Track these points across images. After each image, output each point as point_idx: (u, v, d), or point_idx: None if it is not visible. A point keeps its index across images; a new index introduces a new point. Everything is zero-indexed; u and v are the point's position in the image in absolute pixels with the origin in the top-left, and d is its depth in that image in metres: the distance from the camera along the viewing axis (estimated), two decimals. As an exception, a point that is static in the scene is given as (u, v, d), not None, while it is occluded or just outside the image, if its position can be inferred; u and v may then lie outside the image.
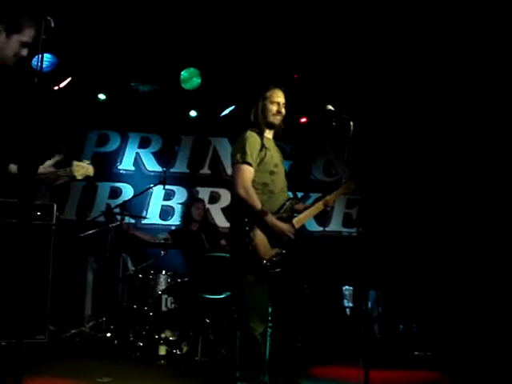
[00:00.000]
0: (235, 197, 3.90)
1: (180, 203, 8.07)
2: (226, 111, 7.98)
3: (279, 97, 4.10)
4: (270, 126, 4.10)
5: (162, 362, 5.55)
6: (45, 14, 2.87)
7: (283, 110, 4.10)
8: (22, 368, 2.79)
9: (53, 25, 2.72)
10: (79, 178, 3.36)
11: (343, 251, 7.97)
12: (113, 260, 6.58)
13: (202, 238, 6.40)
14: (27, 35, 3.08)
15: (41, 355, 5.40)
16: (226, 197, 8.18)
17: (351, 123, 3.74)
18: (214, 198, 8.26)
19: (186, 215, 6.99)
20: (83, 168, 3.36)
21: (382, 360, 5.70)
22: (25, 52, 3.14)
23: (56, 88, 7.00)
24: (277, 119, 4.08)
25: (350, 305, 7.35)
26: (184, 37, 6.79)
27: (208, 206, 8.15)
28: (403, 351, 6.60)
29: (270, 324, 3.97)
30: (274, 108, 4.06)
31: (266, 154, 3.96)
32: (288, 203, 4.03)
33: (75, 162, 3.32)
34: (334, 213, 8.34)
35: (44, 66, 3.06)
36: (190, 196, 8.15)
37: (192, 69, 7.38)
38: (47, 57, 6.26)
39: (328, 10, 6.27)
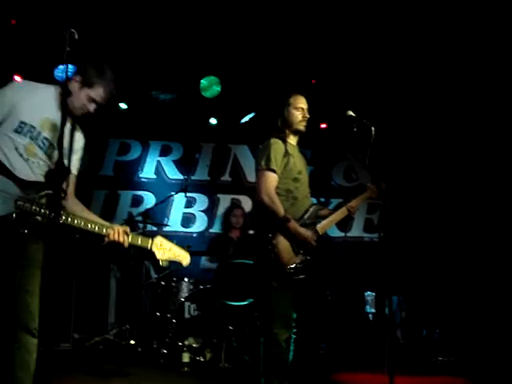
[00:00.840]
0: (258, 203, 3.91)
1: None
2: (246, 118, 8.00)
3: (303, 103, 4.11)
4: (296, 132, 4.10)
5: (186, 369, 5.57)
6: (68, 25, 2.90)
7: (307, 116, 4.10)
8: (49, 376, 2.82)
9: (77, 37, 2.76)
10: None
11: (365, 257, 7.94)
12: (135, 268, 6.64)
13: (238, 246, 6.41)
14: (96, 93, 3.36)
15: (66, 363, 5.45)
16: (246, 203, 8.18)
17: (372, 128, 3.74)
18: (235, 205, 8.26)
19: (225, 222, 6.99)
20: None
21: (405, 366, 5.66)
22: (91, 107, 3.38)
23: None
24: (302, 125, 4.08)
25: (373, 310, 7.29)
26: (203, 45, 6.83)
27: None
28: (427, 357, 6.55)
29: (294, 330, 3.97)
30: (300, 114, 4.07)
31: (289, 161, 3.96)
32: (312, 209, 4.02)
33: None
34: (355, 218, 8.31)
35: (64, 75, 3.12)
36: (229, 203, 8.19)
37: (212, 77, 7.42)
38: (66, 67, 6.33)
39: (347, 14, 6.27)
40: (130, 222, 6.76)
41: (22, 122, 3.18)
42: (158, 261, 3.37)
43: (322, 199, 7.55)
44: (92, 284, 7.00)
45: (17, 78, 6.99)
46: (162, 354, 5.75)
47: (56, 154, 3.26)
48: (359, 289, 7.29)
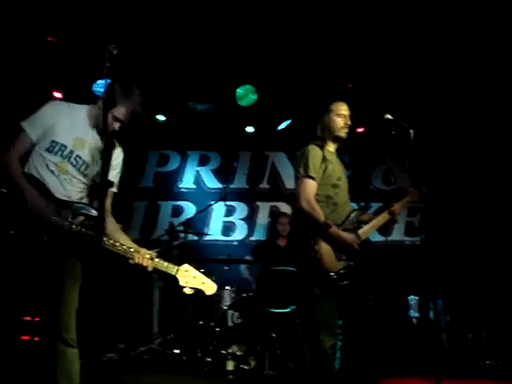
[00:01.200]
0: (299, 211, 3.90)
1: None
2: (282, 125, 8.02)
3: (345, 109, 4.09)
4: (336, 139, 4.08)
5: (231, 377, 5.58)
6: (106, 41, 2.97)
7: (349, 122, 4.09)
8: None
9: (116, 52, 2.81)
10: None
11: (407, 260, 7.86)
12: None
13: (285, 254, 6.42)
14: (118, 111, 3.40)
15: (112, 373, 5.51)
16: (285, 210, 8.17)
17: (411, 131, 3.71)
18: (274, 212, 8.28)
19: (272, 230, 7.01)
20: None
21: (451, 370, 5.58)
22: (116, 126, 3.45)
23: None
24: (344, 132, 4.06)
25: (417, 315, 7.21)
26: (238, 54, 6.88)
27: (268, 219, 8.21)
28: (473, 361, 6.44)
29: (340, 337, 3.95)
30: (342, 121, 4.05)
31: (328, 167, 3.95)
32: (353, 215, 4.00)
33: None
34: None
35: (103, 91, 3.21)
36: (273, 211, 8.25)
37: (247, 86, 7.47)
38: (106, 82, 6.46)
39: (382, 18, 6.24)
40: (172, 233, 6.82)
41: (53, 141, 3.30)
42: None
43: (362, 203, 7.50)
44: (136, 295, 7.08)
45: (56, 94, 7.19)
46: (206, 363, 5.77)
47: (92, 171, 3.42)
48: (402, 293, 7.21)
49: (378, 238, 8.20)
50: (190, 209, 8.13)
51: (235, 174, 8.38)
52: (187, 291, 3.44)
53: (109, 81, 2.99)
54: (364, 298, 6.62)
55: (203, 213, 7.53)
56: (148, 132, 7.96)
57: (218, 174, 8.32)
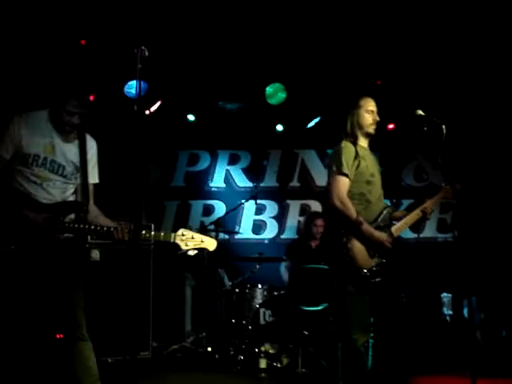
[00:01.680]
0: (331, 208, 3.90)
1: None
2: (312, 123, 8.00)
3: (373, 105, 4.08)
4: (366, 135, 4.08)
5: (263, 374, 5.61)
6: (138, 43, 3.00)
7: (378, 118, 4.08)
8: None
9: (147, 54, 2.85)
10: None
11: (439, 257, 7.79)
12: (210, 276, 6.73)
13: (316, 253, 6.42)
14: (71, 105, 3.49)
15: (145, 371, 5.58)
16: (316, 208, 8.17)
17: (443, 127, 3.68)
18: (304, 210, 8.27)
19: (306, 231, 7.00)
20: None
21: (486, 368, 5.51)
22: (76, 120, 3.53)
23: (147, 113, 7.27)
24: (372, 128, 4.05)
25: (450, 312, 7.14)
26: (266, 53, 6.88)
27: (299, 218, 8.21)
28: (508, 358, 6.36)
29: (372, 334, 3.94)
30: (370, 117, 4.05)
31: (361, 164, 3.94)
32: (385, 212, 3.99)
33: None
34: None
35: (135, 92, 3.27)
36: (307, 210, 8.21)
37: (277, 84, 7.47)
38: (136, 83, 6.54)
39: (409, 13, 6.19)
40: (203, 232, 6.85)
41: (25, 155, 3.42)
42: (185, 252, 3.57)
43: (394, 200, 7.45)
44: (168, 293, 7.14)
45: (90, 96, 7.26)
46: (238, 361, 5.79)
47: (69, 170, 3.56)
48: (435, 290, 7.16)
49: (410, 235, 8.12)
50: (220, 208, 8.16)
51: (265, 173, 8.38)
52: (191, 253, 3.54)
53: (141, 82, 3.03)
54: (397, 296, 6.60)
55: (234, 212, 7.55)
56: (178, 132, 8.03)
57: (248, 172, 8.33)
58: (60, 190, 3.53)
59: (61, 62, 6.45)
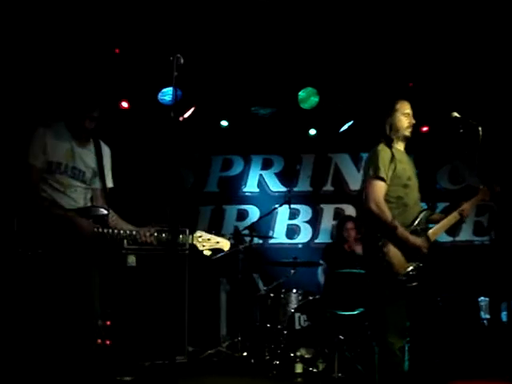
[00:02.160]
0: (367, 212, 3.89)
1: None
2: (345, 127, 7.97)
3: (409, 108, 4.07)
4: (403, 138, 4.07)
5: (299, 379, 5.60)
6: (172, 50, 3.04)
7: (413, 121, 4.06)
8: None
9: (182, 61, 2.88)
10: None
11: (476, 261, 7.68)
12: (244, 280, 6.76)
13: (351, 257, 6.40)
14: (95, 112, 3.68)
15: (182, 375, 5.61)
16: (350, 212, 8.13)
17: (479, 129, 3.65)
18: (338, 214, 8.24)
19: (338, 235, 6.98)
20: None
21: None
22: (91, 124, 3.69)
23: (181, 119, 7.32)
24: (409, 131, 4.04)
25: (488, 316, 7.04)
26: (298, 57, 6.89)
27: (333, 222, 8.18)
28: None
29: (408, 339, 3.91)
30: (407, 120, 4.03)
31: (397, 167, 3.92)
32: (422, 215, 3.96)
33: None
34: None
35: (169, 99, 3.31)
36: (338, 214, 8.19)
37: (309, 88, 7.47)
38: (172, 90, 6.62)
39: (444, 14, 6.14)
40: (237, 236, 6.90)
41: (49, 163, 3.55)
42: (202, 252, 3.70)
43: (429, 203, 7.38)
44: (203, 298, 7.18)
45: (124, 103, 7.39)
46: (274, 366, 5.79)
47: (88, 175, 3.71)
48: (472, 294, 7.06)
49: (446, 238, 8.03)
50: (254, 212, 8.18)
51: (299, 177, 8.38)
52: (207, 253, 3.69)
53: (177, 89, 3.06)
54: (433, 300, 6.53)
55: (267, 216, 7.58)
56: (212, 137, 8.09)
57: (282, 177, 8.34)
58: (82, 196, 3.69)
59: (91, 70, 6.56)
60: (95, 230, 3.51)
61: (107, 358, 5.86)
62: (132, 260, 6.08)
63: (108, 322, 6.06)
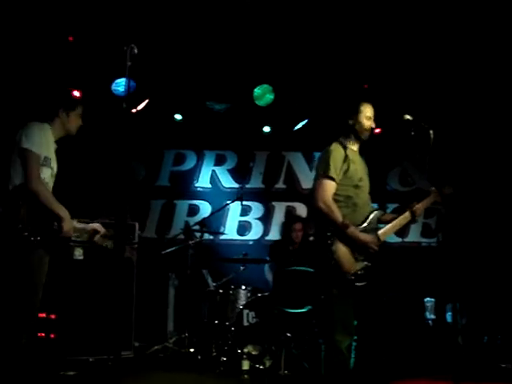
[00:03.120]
0: (316, 210, 3.90)
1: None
2: (299, 125, 8.00)
3: (371, 112, 4.11)
4: (360, 140, 4.10)
5: (246, 376, 5.58)
6: (126, 40, 2.99)
7: (374, 125, 4.09)
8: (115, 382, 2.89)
9: (136, 51, 2.83)
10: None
11: (423, 262, 7.82)
12: (193, 276, 6.71)
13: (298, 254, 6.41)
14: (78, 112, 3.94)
15: (127, 371, 5.53)
16: (301, 211, 8.18)
17: (431, 132, 3.70)
18: (290, 212, 8.28)
19: (285, 235, 6.93)
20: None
21: (467, 373, 5.53)
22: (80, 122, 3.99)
23: (134, 111, 7.23)
24: (367, 135, 4.08)
25: (433, 317, 7.18)
26: (255, 54, 6.88)
27: (284, 220, 8.19)
28: (489, 363, 6.39)
29: (355, 337, 3.94)
30: (368, 123, 4.06)
31: (350, 167, 3.95)
32: (373, 215, 4.00)
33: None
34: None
35: (123, 90, 3.25)
36: (287, 214, 8.22)
37: (265, 85, 7.47)
38: (125, 81, 6.51)
39: (396, 18, 6.22)
40: (187, 232, 6.85)
41: (45, 158, 3.68)
42: None
43: (380, 204, 7.48)
44: (151, 293, 7.11)
45: (76, 93, 7.22)
46: (221, 362, 5.77)
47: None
48: (418, 295, 7.19)
49: (395, 239, 8.16)
50: (205, 208, 8.15)
51: (251, 174, 8.38)
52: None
53: (130, 80, 3.01)
54: (380, 300, 6.61)
55: (219, 212, 7.55)
56: (164, 131, 8.01)
57: (235, 173, 8.33)
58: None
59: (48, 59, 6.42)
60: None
61: (51, 351, 5.74)
62: (79, 253, 5.96)
63: (53, 316, 5.93)
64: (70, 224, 3.62)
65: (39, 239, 3.44)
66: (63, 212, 3.58)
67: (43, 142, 3.65)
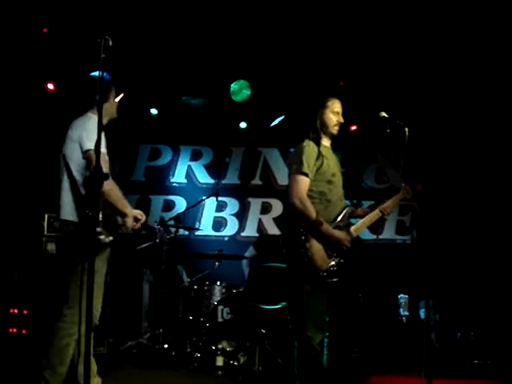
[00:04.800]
0: (290, 207, 3.91)
1: None
2: (276, 121, 8.00)
3: (339, 107, 4.12)
4: (330, 135, 4.11)
5: (220, 372, 5.57)
6: (102, 32, 2.95)
7: (342, 120, 4.11)
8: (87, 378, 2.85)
9: (111, 43, 2.79)
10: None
11: (397, 259, 7.88)
12: (168, 272, 6.67)
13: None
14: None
15: (100, 366, 5.48)
16: (277, 207, 8.21)
17: (406, 129, 3.72)
18: (265, 209, 8.30)
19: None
20: None
21: (440, 369, 5.59)
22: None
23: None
24: (336, 129, 4.10)
25: (406, 313, 7.23)
26: (232, 50, 6.86)
27: (260, 216, 8.23)
28: (462, 360, 6.46)
29: (327, 333, 3.95)
30: (335, 118, 4.08)
31: (323, 163, 3.96)
32: (345, 211, 4.02)
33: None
34: (387, 220, 8.22)
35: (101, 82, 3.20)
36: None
37: (241, 81, 7.45)
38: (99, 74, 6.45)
39: (372, 15, 6.24)
40: (162, 227, 6.80)
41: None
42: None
43: (354, 201, 7.51)
44: (125, 288, 7.05)
45: (49, 85, 7.15)
46: (195, 358, 5.74)
47: None
48: (392, 291, 7.23)
49: (369, 236, 8.20)
50: (181, 203, 8.11)
51: (227, 170, 8.37)
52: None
53: (104, 73, 2.97)
54: (354, 296, 6.65)
55: (194, 208, 7.51)
56: (140, 125, 7.94)
57: (210, 169, 8.30)
58: None
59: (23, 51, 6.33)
60: None
61: (23, 347, 5.67)
62: (51, 247, 5.90)
63: (25, 311, 5.86)
64: (132, 220, 3.68)
65: (112, 239, 3.56)
66: (129, 209, 3.64)
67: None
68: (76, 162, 3.72)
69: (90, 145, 3.51)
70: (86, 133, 3.63)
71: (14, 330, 5.75)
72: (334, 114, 4.08)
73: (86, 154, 3.63)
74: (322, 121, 4.07)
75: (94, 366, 3.78)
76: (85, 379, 2.66)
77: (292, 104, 7.64)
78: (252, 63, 7.16)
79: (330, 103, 4.09)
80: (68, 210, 3.78)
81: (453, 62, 6.82)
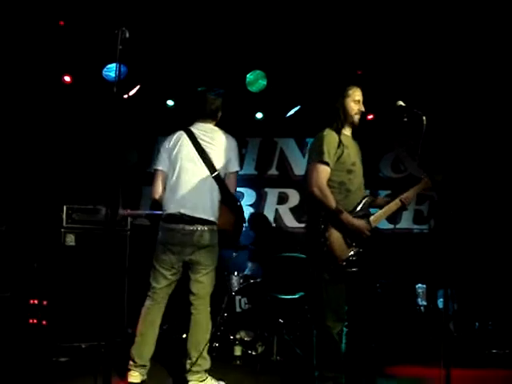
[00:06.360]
0: (310, 196, 3.90)
1: None
2: (292, 111, 7.98)
3: (360, 95, 4.11)
4: (351, 124, 4.10)
5: (238, 362, 5.60)
6: (118, 25, 2.96)
7: (363, 109, 4.09)
8: (108, 369, 2.89)
9: (128, 35, 2.80)
10: None
11: (415, 249, 7.84)
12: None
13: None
14: None
15: (120, 357, 5.53)
16: (294, 197, 8.19)
17: (424, 118, 3.69)
18: (282, 199, 8.28)
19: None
20: None
21: (459, 358, 5.57)
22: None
23: (126, 96, 7.19)
24: (357, 118, 4.08)
25: (424, 303, 7.21)
26: (248, 40, 6.84)
27: (276, 206, 8.22)
28: (480, 349, 6.44)
29: (346, 323, 3.96)
30: (356, 107, 4.06)
31: (343, 152, 3.95)
32: (365, 201, 4.01)
33: None
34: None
35: (114, 75, 3.21)
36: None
37: (257, 71, 7.42)
38: (116, 66, 6.47)
39: (390, 2, 6.20)
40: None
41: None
42: None
43: (372, 191, 7.50)
44: (144, 279, 7.08)
45: (66, 78, 7.19)
46: (213, 348, 5.77)
47: None
48: (410, 281, 7.21)
49: (387, 225, 8.14)
50: (199, 195, 8.11)
51: (244, 160, 8.35)
52: None
53: (121, 65, 2.98)
54: (372, 286, 6.64)
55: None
56: (157, 117, 7.96)
57: (227, 159, 8.29)
58: None
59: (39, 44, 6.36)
60: None
61: (43, 338, 5.74)
62: (71, 239, 5.94)
63: (45, 302, 5.92)
64: None
65: None
66: None
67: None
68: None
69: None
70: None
71: (35, 321, 5.82)
72: (354, 102, 4.06)
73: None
74: (343, 109, 4.06)
75: None
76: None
77: (308, 94, 7.61)
78: (268, 53, 7.13)
79: (350, 92, 4.08)
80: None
81: (472, 50, 6.76)
